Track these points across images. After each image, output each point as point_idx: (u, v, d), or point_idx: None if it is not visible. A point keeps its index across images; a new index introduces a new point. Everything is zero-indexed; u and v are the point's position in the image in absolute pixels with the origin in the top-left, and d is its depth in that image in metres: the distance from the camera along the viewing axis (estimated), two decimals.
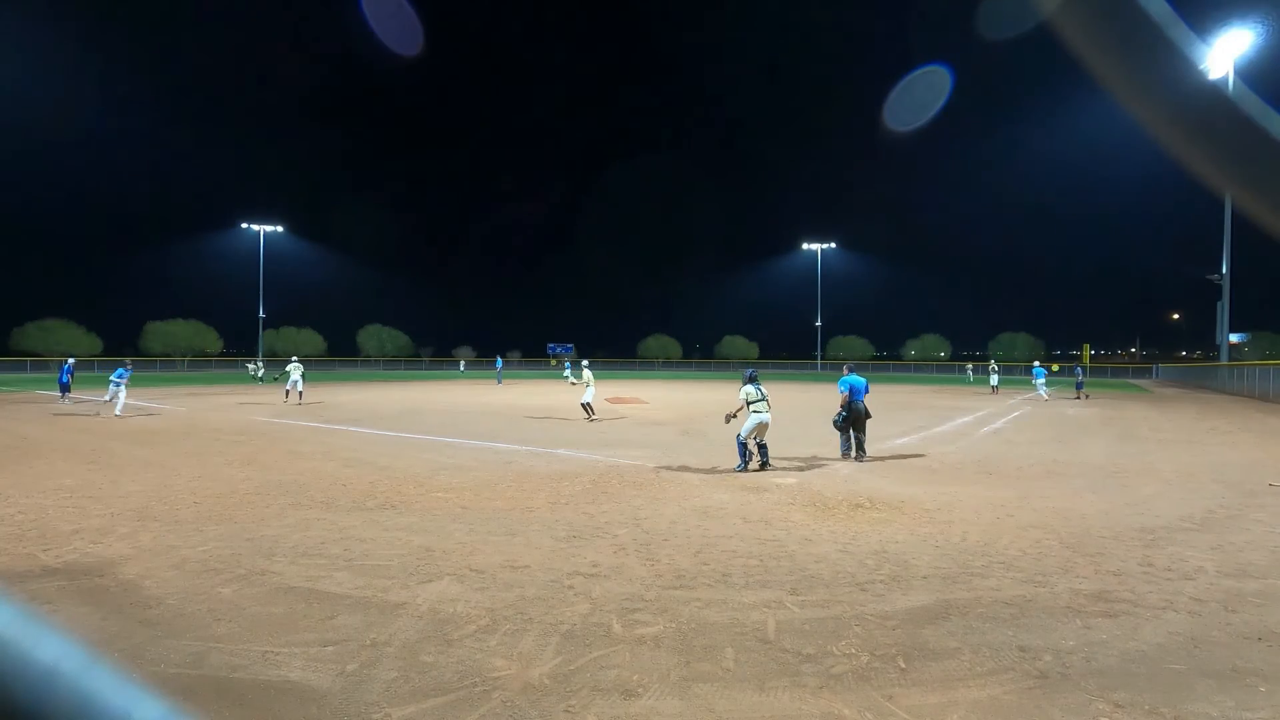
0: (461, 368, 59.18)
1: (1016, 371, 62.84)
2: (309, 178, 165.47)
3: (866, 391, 11.12)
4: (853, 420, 10.84)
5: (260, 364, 37.16)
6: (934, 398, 28.56)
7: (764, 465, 9.65)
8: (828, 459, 10.80)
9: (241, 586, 4.77)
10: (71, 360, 22.55)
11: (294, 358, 23.97)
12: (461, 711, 3.14)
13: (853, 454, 10.69)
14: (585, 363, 19.22)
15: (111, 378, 17.77)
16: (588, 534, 6.24)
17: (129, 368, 18.60)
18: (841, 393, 11.00)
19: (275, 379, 33.56)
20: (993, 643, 3.91)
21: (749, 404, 9.49)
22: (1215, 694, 3.33)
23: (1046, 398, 26.65)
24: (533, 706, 3.19)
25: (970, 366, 42.63)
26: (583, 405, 17.38)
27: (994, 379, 32.47)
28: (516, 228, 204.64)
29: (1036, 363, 31.17)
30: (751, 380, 9.68)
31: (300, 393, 22.48)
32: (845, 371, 11.49)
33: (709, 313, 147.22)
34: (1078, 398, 28.08)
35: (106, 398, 17.79)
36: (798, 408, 21.65)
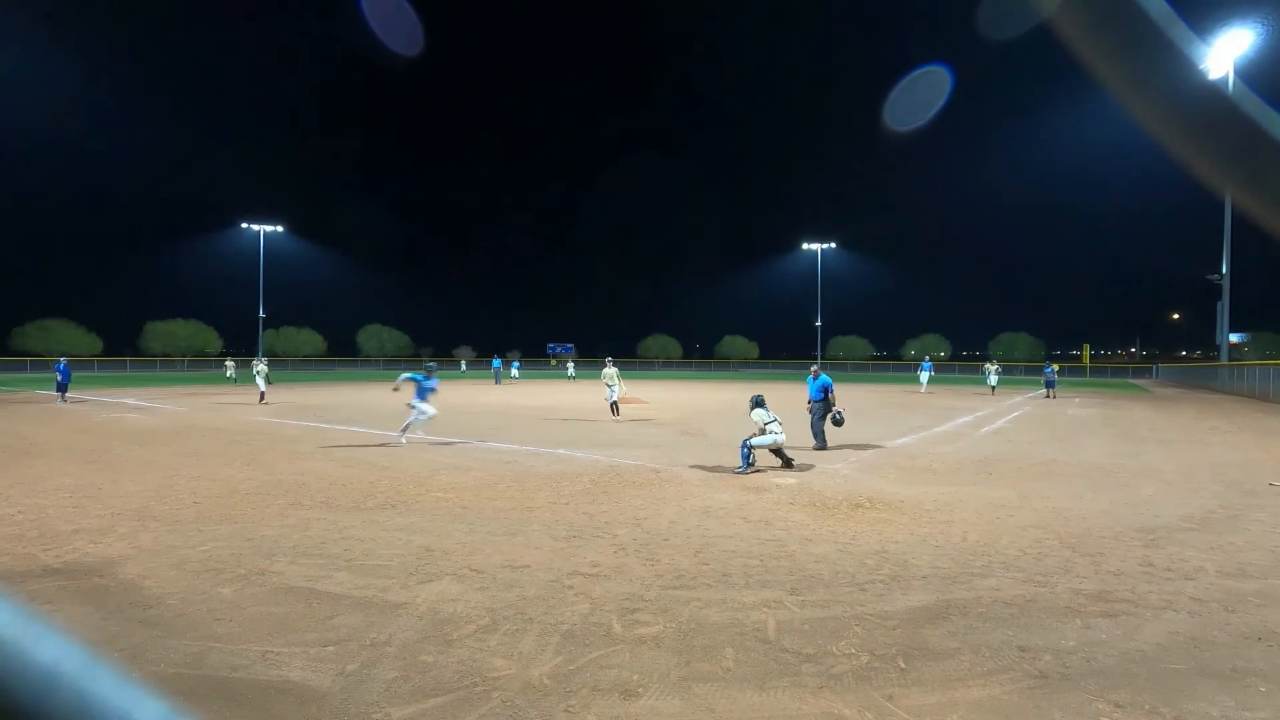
0: (463, 368, 59.13)
1: (1017, 371, 62.92)
2: (309, 178, 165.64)
3: None
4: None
5: (235, 365, 36.68)
6: (933, 398, 28.56)
7: (787, 464, 9.83)
8: (827, 459, 10.84)
9: (241, 586, 4.77)
10: (64, 360, 22.45)
11: (257, 358, 24.30)
12: (461, 711, 3.14)
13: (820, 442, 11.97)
14: (609, 359, 18.46)
15: (420, 379, 12.31)
16: (588, 534, 6.24)
17: (433, 374, 12.51)
18: (831, 391, 12.04)
19: (235, 380, 33.57)
20: (993, 643, 3.91)
21: (764, 425, 9.67)
22: (1215, 694, 3.33)
23: (923, 391, 31.56)
24: (533, 706, 3.19)
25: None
26: (610, 405, 17.63)
27: (993, 379, 32.35)
28: (517, 227, 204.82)
29: (926, 358, 36.08)
30: (759, 405, 9.83)
31: (262, 394, 22.58)
32: (815, 374, 12.58)
33: (709, 313, 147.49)
34: (1048, 396, 28.11)
35: (429, 412, 12.37)
36: (798, 407, 21.62)
